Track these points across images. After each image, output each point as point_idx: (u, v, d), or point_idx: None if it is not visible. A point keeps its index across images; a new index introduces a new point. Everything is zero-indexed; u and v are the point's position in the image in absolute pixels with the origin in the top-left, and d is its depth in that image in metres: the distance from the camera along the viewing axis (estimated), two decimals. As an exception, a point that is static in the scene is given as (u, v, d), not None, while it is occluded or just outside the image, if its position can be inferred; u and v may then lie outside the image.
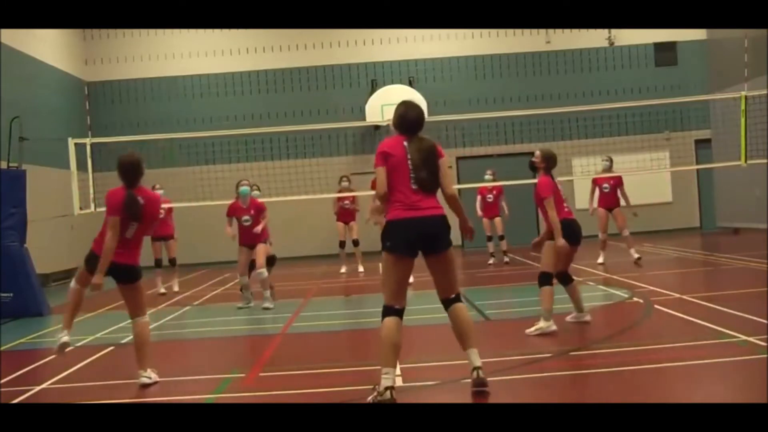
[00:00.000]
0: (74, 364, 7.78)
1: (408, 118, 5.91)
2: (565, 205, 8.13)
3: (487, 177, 15.91)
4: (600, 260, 14.44)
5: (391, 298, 5.71)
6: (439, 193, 5.91)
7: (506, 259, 16.26)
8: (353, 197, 16.57)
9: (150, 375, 6.82)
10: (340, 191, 16.59)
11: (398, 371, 6.65)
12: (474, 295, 11.19)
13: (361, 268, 16.31)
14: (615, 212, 14.15)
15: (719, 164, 18.25)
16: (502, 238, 16.27)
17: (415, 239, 5.69)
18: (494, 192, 16.09)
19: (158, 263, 14.04)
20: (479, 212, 16.02)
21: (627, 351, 7.06)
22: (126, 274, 6.76)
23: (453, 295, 5.85)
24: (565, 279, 8.32)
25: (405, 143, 5.84)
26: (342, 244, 16.68)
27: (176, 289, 14.20)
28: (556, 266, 8.09)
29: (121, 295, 6.92)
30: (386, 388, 5.50)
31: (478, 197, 16.15)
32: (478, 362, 5.74)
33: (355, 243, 16.59)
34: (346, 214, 16.54)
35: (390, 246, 5.72)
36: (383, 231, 5.82)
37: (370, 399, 5.58)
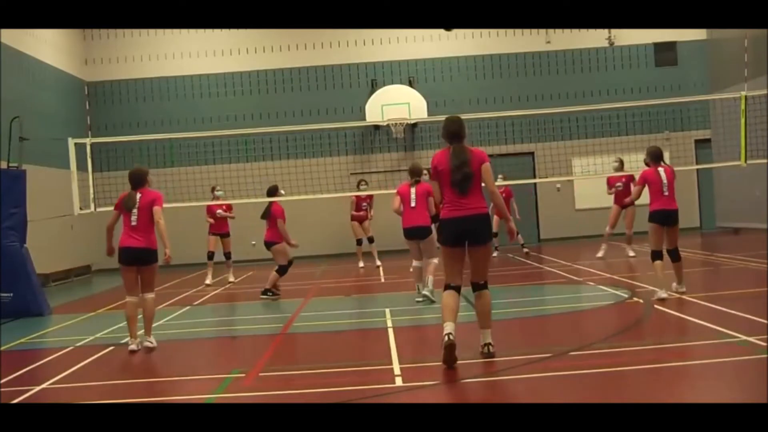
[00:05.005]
0: (74, 364, 7.78)
1: (448, 130, 7.07)
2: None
3: (499, 179, 17.00)
4: (599, 254, 15.37)
5: (449, 277, 6.91)
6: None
7: (525, 250, 17.74)
8: (370, 198, 17.70)
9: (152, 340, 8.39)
10: (358, 194, 17.56)
11: (398, 371, 6.68)
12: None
13: (378, 262, 17.24)
14: (627, 210, 15.18)
15: (719, 164, 18.24)
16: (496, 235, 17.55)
17: (458, 234, 6.85)
18: (503, 194, 17.24)
19: (211, 256, 15.35)
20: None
21: (627, 351, 7.06)
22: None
23: (482, 282, 6.93)
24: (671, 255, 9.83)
25: (448, 153, 6.96)
26: (359, 242, 17.75)
27: (231, 279, 15.66)
28: (656, 245, 9.74)
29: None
30: (446, 334, 6.60)
31: None
32: (487, 339, 6.91)
33: (371, 240, 17.67)
34: (364, 213, 17.71)
35: (442, 240, 6.99)
36: (438, 227, 7.21)
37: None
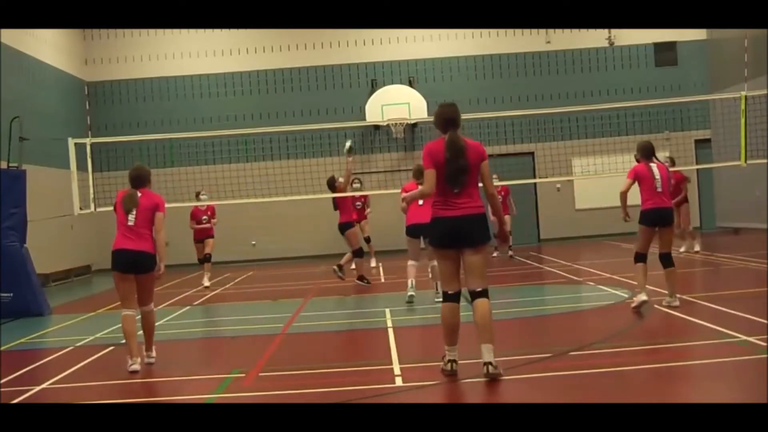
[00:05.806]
0: (74, 364, 7.78)
1: (443, 116, 6.32)
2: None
3: (494, 180, 16.68)
4: (696, 248, 15.44)
5: (443, 284, 6.37)
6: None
7: (510, 253, 17.24)
8: (365, 198, 17.45)
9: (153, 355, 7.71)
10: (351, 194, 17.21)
11: (398, 371, 6.67)
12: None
13: (373, 263, 17.07)
14: (681, 209, 14.54)
15: (719, 164, 18.24)
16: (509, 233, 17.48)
17: (449, 235, 6.20)
18: (501, 193, 17.19)
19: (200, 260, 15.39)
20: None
21: (627, 351, 7.06)
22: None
23: (479, 290, 6.20)
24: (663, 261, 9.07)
25: (443, 143, 6.22)
26: None
27: (206, 284, 15.01)
28: (642, 248, 8.93)
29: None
30: (448, 361, 6.29)
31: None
32: (488, 358, 6.06)
33: (367, 240, 17.44)
34: (357, 213, 17.28)
35: (431, 241, 6.47)
36: (428, 227, 6.44)
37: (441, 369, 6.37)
